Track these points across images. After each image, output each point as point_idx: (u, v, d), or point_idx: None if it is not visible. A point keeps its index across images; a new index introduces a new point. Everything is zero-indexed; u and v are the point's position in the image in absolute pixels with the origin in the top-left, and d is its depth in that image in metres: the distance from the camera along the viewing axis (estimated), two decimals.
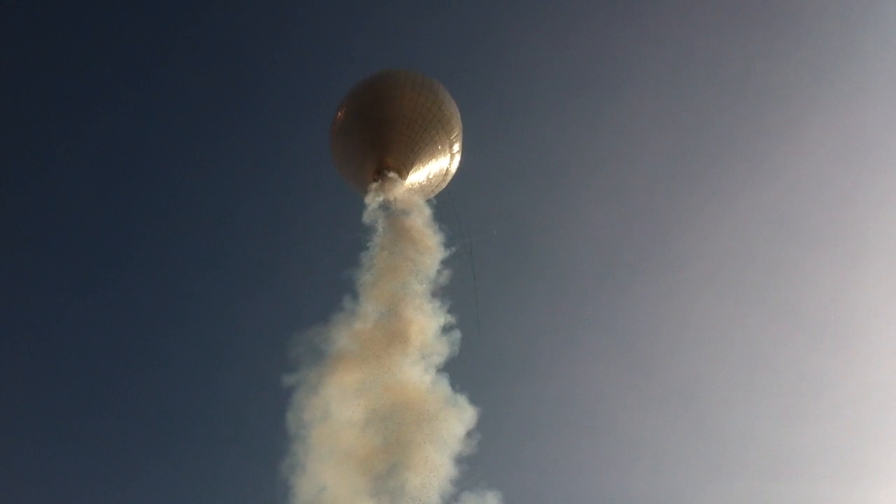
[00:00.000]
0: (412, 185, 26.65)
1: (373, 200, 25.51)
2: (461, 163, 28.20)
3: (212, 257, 44.95)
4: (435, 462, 21.11)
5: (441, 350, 22.75)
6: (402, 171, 26.18)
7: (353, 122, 26.49)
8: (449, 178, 28.23)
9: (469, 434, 21.93)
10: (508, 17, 46.10)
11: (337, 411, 22.02)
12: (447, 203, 26.12)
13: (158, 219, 45.28)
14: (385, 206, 25.19)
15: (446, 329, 23.14)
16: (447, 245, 24.60)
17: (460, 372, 22.91)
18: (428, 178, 27.25)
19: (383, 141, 25.81)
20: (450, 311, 23.51)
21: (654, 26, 45.04)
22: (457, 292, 23.75)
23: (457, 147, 27.93)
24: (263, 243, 44.39)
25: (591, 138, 44.86)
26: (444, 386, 22.50)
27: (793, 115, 43.44)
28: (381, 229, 24.84)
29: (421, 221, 25.07)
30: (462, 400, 22.27)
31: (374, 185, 25.81)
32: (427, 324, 22.93)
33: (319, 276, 38.45)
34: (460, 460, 21.69)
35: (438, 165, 27.32)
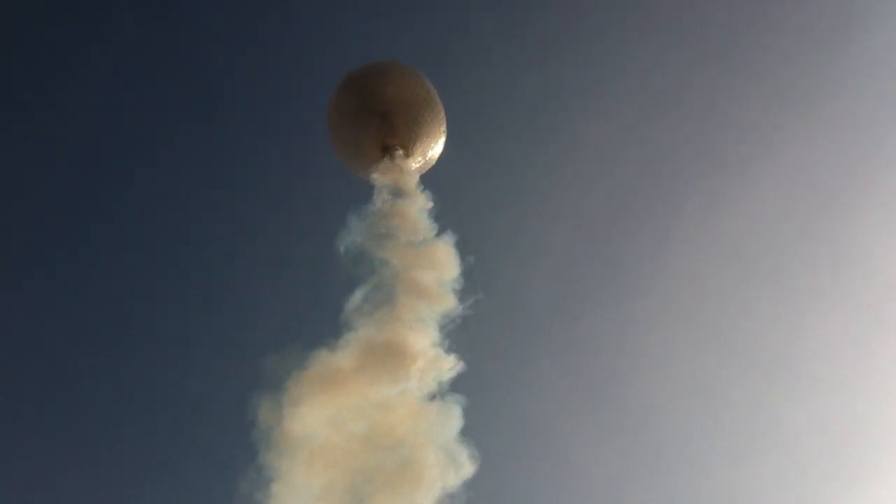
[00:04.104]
0: (414, 165, 26.70)
1: (377, 180, 25.41)
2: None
3: (187, 266, 40.95)
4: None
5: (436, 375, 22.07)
6: (408, 149, 26.33)
7: (358, 101, 26.38)
8: (436, 157, 27.89)
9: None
10: (475, 35, 44.40)
11: (320, 435, 21.07)
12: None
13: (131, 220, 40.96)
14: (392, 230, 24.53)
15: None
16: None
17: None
18: (425, 158, 27.26)
19: (390, 119, 25.99)
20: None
21: (614, 58, 44.47)
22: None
23: (443, 127, 27.74)
24: (250, 250, 40.86)
25: (550, 163, 43.93)
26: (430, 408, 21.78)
27: (752, 150, 44.35)
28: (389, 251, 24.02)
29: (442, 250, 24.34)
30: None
31: (381, 164, 25.69)
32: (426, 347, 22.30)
33: (308, 290, 36.59)
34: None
35: (432, 145, 27.34)
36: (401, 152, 26.01)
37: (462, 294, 22.86)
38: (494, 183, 43.20)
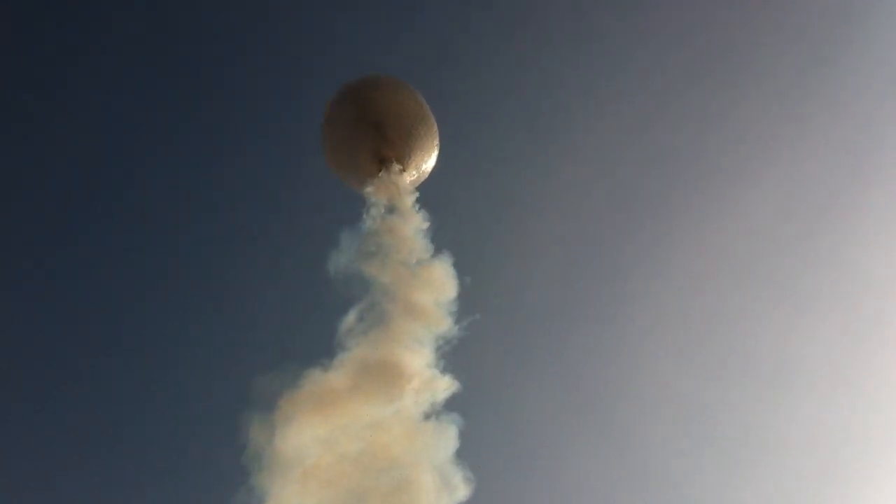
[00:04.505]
0: (409, 179, 26.53)
1: (373, 194, 25.20)
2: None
3: (179, 283, 40.05)
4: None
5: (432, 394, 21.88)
6: (404, 162, 26.09)
7: (352, 113, 26.19)
8: (429, 171, 27.78)
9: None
10: (466, 47, 44.07)
11: (313, 455, 20.75)
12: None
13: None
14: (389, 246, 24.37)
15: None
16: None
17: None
18: (419, 171, 27.06)
19: (384, 130, 25.81)
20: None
21: (606, 63, 44.43)
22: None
23: (436, 141, 27.64)
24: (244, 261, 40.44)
25: (541, 176, 43.71)
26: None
27: (743, 162, 44.50)
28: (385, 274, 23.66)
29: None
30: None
31: (377, 178, 25.47)
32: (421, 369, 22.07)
33: (302, 310, 36.13)
34: None
35: (426, 158, 27.20)
36: (398, 166, 25.86)
37: (457, 314, 22.73)
38: (487, 198, 43.32)
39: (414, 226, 24.88)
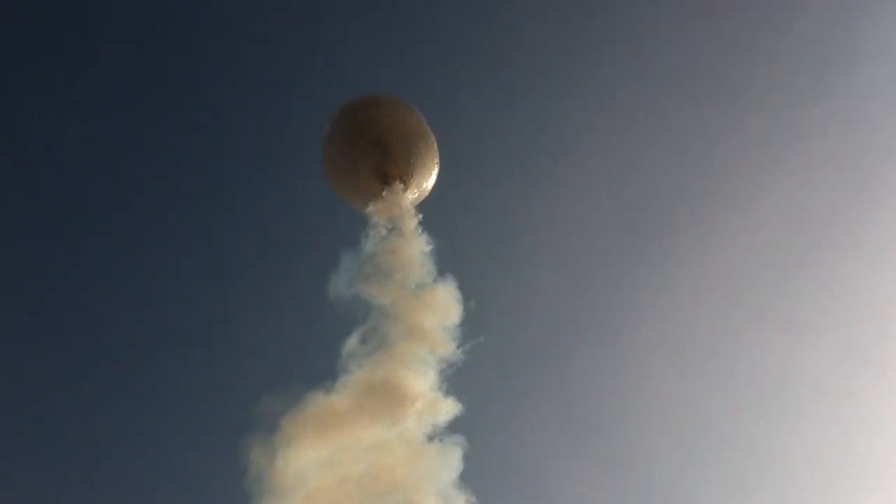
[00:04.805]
0: (410, 197, 26.48)
1: (375, 213, 25.16)
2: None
3: (181, 304, 40.06)
4: None
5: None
6: (407, 180, 26.03)
7: (354, 130, 26.21)
8: (429, 189, 27.81)
9: None
10: (463, 70, 44.48)
11: (316, 477, 20.75)
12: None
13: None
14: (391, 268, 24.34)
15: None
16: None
17: None
18: (419, 189, 27.01)
19: (385, 147, 25.74)
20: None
21: (611, 80, 44.45)
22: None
23: (436, 159, 27.67)
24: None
25: (540, 202, 44.17)
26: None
27: (748, 178, 44.67)
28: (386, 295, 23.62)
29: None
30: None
31: (379, 196, 25.38)
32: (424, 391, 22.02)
33: (305, 332, 36.18)
34: None
35: (427, 176, 27.22)
36: (401, 185, 25.79)
37: (461, 337, 22.65)
38: (488, 219, 43.25)
39: (417, 247, 24.76)
